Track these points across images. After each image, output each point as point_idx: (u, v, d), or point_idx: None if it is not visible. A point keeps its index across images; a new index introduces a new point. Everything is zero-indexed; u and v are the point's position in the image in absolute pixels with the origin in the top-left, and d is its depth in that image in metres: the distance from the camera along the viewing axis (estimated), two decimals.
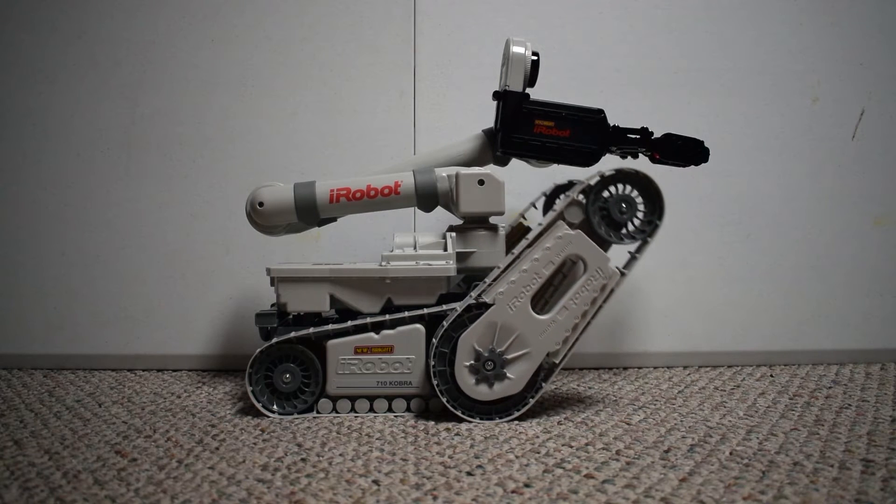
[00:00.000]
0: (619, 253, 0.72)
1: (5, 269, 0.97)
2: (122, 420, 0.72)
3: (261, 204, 0.76)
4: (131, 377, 0.93)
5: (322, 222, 0.80)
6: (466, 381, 0.69)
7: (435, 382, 0.69)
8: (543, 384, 0.70)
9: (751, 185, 0.97)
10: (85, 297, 0.97)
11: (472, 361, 0.69)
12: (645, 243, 0.72)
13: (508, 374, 0.69)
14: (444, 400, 0.69)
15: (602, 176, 0.71)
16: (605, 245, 0.72)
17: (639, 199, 0.71)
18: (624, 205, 0.71)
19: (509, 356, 0.69)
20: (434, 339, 0.69)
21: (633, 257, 0.72)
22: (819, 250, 0.98)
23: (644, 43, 0.96)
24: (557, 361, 0.70)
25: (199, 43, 0.96)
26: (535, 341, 0.69)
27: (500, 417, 0.70)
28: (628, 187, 0.72)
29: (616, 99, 0.94)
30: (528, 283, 0.69)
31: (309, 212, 0.76)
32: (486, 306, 0.69)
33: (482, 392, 0.69)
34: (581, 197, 0.71)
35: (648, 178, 0.70)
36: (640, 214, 0.72)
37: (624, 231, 0.72)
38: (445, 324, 0.69)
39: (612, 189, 0.72)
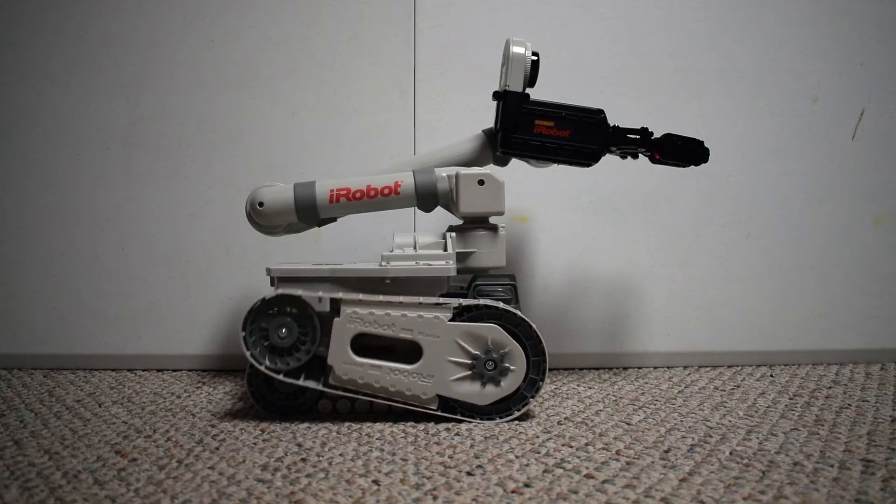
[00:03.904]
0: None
1: (5, 269, 0.97)
2: (122, 420, 0.72)
3: (261, 204, 0.76)
4: (131, 377, 0.93)
5: (322, 222, 0.80)
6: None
7: None
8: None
9: (751, 185, 0.97)
10: (85, 297, 0.97)
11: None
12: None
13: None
14: None
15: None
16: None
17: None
18: (283, 329, 0.69)
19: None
20: None
21: None
22: (819, 250, 0.98)
23: (644, 43, 0.96)
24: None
25: (199, 43, 0.96)
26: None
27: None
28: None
29: (616, 99, 0.94)
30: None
31: (309, 212, 0.76)
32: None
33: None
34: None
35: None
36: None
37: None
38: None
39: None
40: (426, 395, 0.69)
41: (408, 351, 0.70)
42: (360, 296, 0.69)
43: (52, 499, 0.51)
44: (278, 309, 0.69)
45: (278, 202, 0.76)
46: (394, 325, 0.69)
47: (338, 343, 0.69)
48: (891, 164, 0.98)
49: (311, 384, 0.69)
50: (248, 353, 0.69)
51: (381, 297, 0.69)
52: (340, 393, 0.69)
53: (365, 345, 0.70)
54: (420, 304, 0.69)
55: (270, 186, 0.76)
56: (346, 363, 0.69)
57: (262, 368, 0.69)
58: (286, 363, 0.69)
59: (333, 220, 0.81)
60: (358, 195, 0.75)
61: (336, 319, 0.69)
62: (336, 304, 0.70)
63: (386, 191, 0.75)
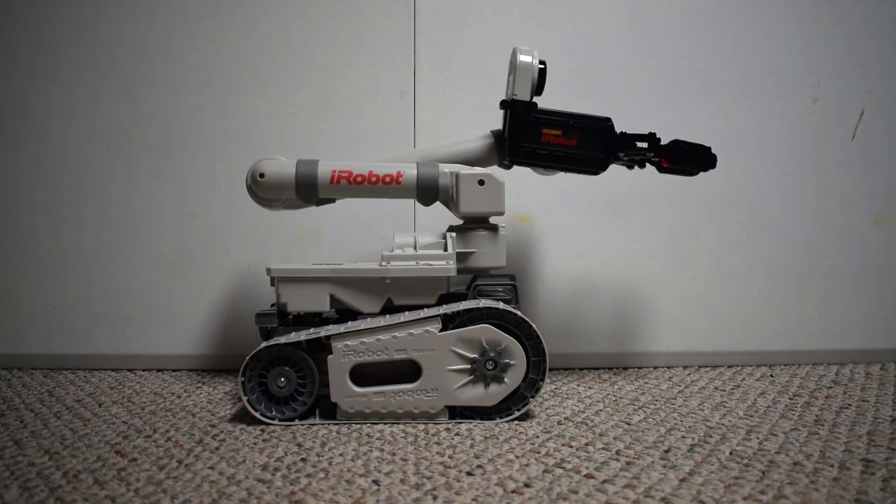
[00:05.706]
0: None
1: (5, 269, 0.97)
2: (122, 420, 0.72)
3: (261, 175, 0.75)
4: (131, 377, 0.93)
5: (320, 202, 0.79)
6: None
7: None
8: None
9: (751, 185, 0.97)
10: (84, 297, 0.97)
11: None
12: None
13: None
14: None
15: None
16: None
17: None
18: (282, 378, 0.69)
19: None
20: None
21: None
22: (819, 250, 0.98)
23: (644, 43, 0.96)
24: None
25: (198, 43, 0.96)
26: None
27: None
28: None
29: (616, 99, 0.94)
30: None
31: (308, 189, 0.76)
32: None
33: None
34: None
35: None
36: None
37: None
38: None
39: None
40: (434, 409, 0.69)
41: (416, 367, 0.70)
42: (343, 328, 0.69)
43: (52, 499, 0.51)
44: (270, 360, 0.69)
45: (279, 176, 0.75)
46: (386, 348, 0.69)
47: (337, 379, 0.69)
48: (891, 164, 0.98)
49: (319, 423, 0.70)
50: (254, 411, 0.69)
51: (366, 324, 0.69)
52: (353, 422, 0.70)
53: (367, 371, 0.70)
54: (407, 321, 0.69)
55: (273, 159, 0.76)
56: (350, 396, 0.69)
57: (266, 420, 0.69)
58: (293, 410, 0.70)
59: (332, 200, 0.80)
60: (359, 179, 0.75)
61: (329, 357, 0.69)
62: (326, 342, 0.69)
63: (387, 179, 0.75)
